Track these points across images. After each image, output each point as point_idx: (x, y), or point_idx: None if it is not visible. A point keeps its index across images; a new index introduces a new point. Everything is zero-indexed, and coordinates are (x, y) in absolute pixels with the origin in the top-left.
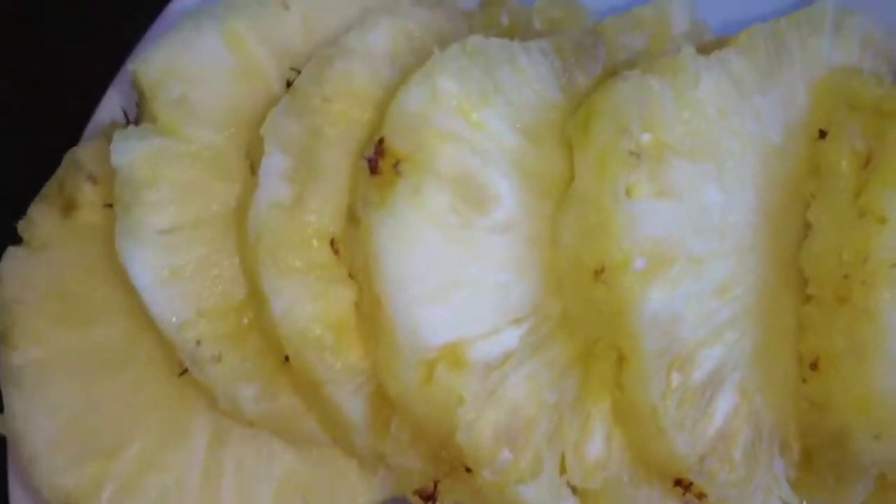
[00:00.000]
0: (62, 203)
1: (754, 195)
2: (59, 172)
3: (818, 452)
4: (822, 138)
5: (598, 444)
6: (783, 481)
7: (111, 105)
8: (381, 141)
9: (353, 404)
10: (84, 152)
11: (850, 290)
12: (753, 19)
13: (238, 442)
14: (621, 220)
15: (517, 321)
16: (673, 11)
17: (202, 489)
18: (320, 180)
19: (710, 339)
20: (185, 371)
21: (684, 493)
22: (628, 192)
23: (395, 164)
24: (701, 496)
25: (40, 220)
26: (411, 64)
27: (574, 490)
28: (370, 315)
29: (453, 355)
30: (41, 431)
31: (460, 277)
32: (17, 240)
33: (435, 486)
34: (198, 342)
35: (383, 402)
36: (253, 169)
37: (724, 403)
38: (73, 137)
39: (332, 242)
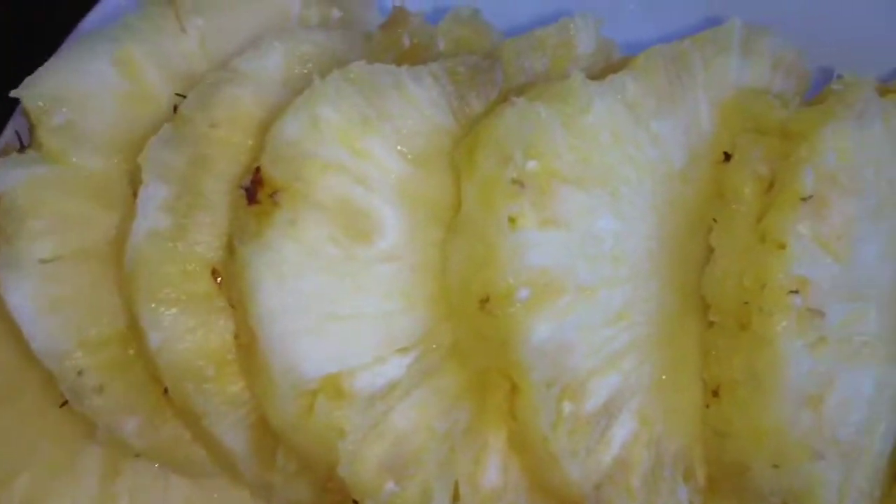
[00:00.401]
0: None
1: (654, 221)
2: None
3: (722, 479)
4: (727, 161)
5: (493, 472)
6: None
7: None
8: (257, 170)
9: (233, 436)
10: None
11: (749, 317)
12: (664, 38)
13: (133, 471)
14: (505, 250)
15: (403, 350)
16: (577, 31)
17: None
18: (203, 209)
19: (603, 367)
20: (65, 402)
21: None
22: (512, 222)
23: (273, 195)
24: None
25: None
26: (304, 88)
27: None
28: (248, 347)
29: (333, 387)
30: None
31: (341, 309)
32: None
33: None
34: (79, 373)
35: (268, 433)
36: (136, 197)
37: (622, 431)
38: None
39: (213, 272)
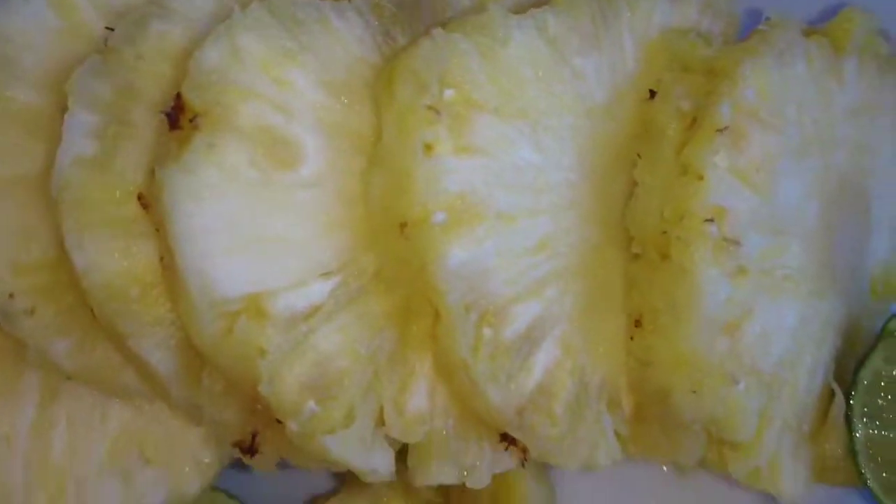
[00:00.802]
0: None
1: (577, 155)
2: None
3: (647, 408)
4: (652, 98)
5: (419, 397)
6: (610, 435)
7: None
8: (178, 96)
9: (159, 356)
10: None
11: (669, 247)
12: None
13: (71, 396)
14: (421, 176)
15: (326, 275)
16: None
17: (32, 442)
18: (130, 138)
19: (524, 295)
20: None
21: (507, 448)
22: (428, 148)
23: (192, 119)
24: (524, 451)
25: None
26: None
27: (393, 443)
28: (169, 268)
29: (254, 307)
30: None
31: (260, 231)
32: None
33: (253, 437)
34: (10, 295)
35: (193, 353)
36: None
37: (544, 358)
38: None
39: (139, 197)
